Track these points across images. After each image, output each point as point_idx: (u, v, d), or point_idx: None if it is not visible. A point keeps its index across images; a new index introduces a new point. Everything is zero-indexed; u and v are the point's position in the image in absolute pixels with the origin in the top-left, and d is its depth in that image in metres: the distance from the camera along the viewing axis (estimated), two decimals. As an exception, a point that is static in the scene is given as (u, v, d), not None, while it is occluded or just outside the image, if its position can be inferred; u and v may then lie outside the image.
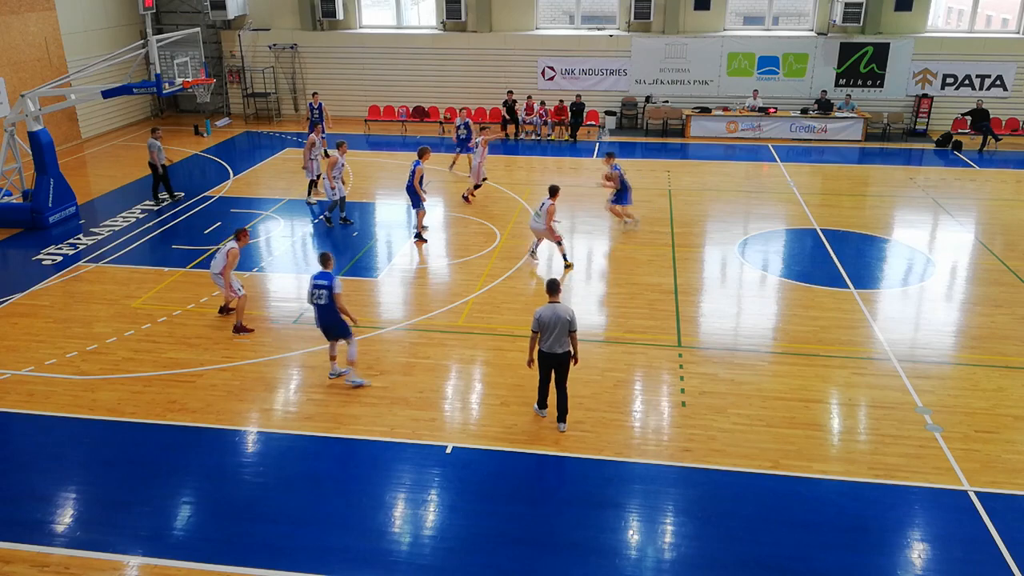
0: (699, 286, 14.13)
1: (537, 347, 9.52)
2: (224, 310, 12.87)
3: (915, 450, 9.37)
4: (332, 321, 10.48)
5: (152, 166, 18.18)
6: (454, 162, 21.32)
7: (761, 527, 8.16)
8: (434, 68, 26.63)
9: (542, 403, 9.94)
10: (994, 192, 19.92)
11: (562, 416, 9.77)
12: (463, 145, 20.37)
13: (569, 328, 9.35)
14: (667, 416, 10.12)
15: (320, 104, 21.83)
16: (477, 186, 18.73)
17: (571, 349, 9.52)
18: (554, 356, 9.47)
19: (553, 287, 9.54)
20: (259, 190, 19.65)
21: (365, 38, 26.92)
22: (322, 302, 10.32)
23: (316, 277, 10.36)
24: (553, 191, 14.43)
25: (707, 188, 20.15)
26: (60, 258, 15.28)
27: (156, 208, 18.09)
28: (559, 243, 14.65)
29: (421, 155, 16.05)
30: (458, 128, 20.44)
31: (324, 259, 10.61)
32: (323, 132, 21.26)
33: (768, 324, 12.69)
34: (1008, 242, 16.18)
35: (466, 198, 18.58)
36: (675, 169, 21.84)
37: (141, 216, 17.70)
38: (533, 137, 25.26)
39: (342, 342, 10.79)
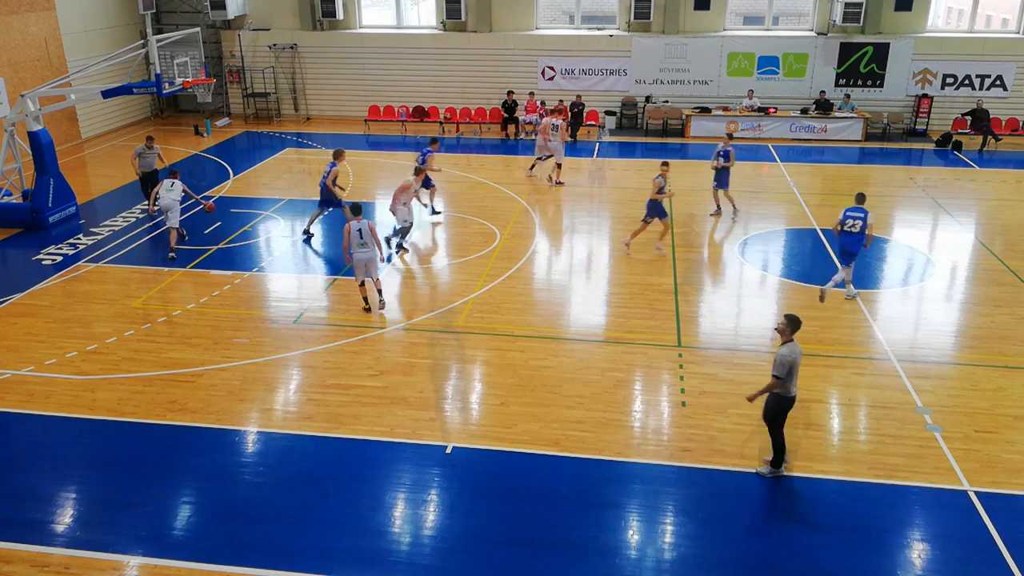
0: (699, 286, 14.13)
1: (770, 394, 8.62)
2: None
3: (915, 450, 9.37)
4: (854, 248, 12.81)
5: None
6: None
7: (761, 527, 8.17)
8: (434, 68, 26.62)
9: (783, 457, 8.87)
10: (994, 192, 19.92)
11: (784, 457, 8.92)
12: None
13: None
14: (667, 416, 10.12)
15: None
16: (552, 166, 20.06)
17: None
18: (794, 399, 8.66)
19: (798, 324, 8.56)
20: (259, 190, 19.64)
21: (365, 38, 26.91)
22: (855, 230, 12.68)
23: (851, 210, 12.77)
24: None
25: (707, 188, 20.08)
26: (60, 258, 15.28)
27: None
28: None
29: (336, 156, 16.05)
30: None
31: (860, 197, 13.01)
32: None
33: (768, 324, 12.67)
34: (1008, 242, 16.18)
35: (558, 181, 19.97)
36: (675, 169, 21.74)
37: (141, 216, 17.69)
38: (533, 137, 25.20)
39: (842, 272, 13.02)
